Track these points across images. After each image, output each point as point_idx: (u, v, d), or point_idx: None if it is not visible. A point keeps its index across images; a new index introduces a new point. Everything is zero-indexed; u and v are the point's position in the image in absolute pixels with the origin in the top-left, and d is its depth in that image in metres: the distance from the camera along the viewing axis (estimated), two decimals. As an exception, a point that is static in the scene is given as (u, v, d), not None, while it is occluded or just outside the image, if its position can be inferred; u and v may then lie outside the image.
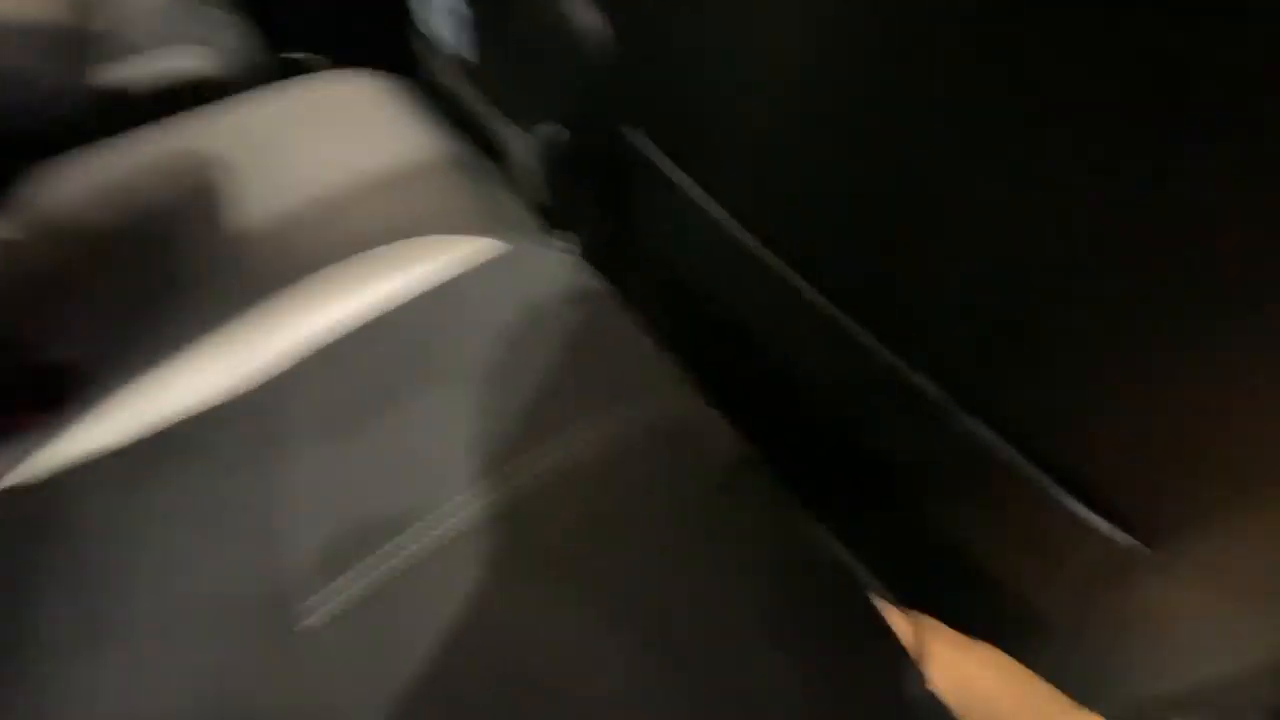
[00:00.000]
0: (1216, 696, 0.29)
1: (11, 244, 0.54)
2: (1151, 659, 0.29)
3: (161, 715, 0.30)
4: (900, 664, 0.29)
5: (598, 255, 0.72)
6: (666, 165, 0.44)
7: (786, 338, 0.40)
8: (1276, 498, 0.21)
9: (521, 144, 0.72)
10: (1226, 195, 0.19)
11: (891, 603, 0.33)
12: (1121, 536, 0.25)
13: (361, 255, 0.53)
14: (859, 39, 0.27)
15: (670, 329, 0.53)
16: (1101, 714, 0.28)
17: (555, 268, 0.48)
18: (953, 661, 0.30)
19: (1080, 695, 0.29)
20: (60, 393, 0.48)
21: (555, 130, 0.65)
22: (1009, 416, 0.28)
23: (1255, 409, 0.20)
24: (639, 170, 0.49)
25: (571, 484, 0.36)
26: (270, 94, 0.61)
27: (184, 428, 0.45)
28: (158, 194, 0.56)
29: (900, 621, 0.32)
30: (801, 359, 0.40)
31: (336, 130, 0.59)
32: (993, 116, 0.23)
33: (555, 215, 0.78)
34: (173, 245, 0.55)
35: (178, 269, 0.54)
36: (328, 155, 0.56)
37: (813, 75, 0.29)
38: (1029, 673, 0.29)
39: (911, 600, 0.33)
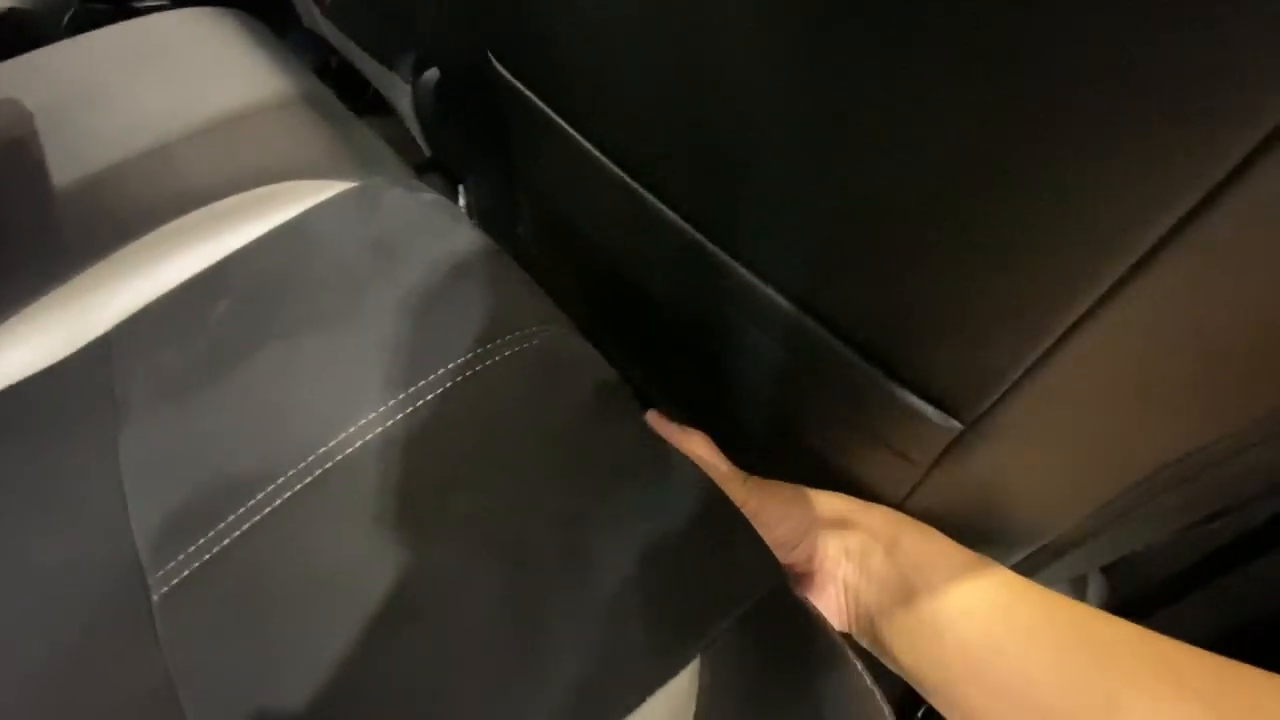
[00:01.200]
0: (1043, 564, 0.30)
1: None
2: (984, 531, 0.29)
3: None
4: (776, 578, 0.29)
5: (487, 203, 0.69)
6: (524, 92, 0.42)
7: (647, 257, 0.39)
8: (1045, 380, 0.21)
9: (404, 95, 0.68)
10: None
11: None
12: (947, 420, 0.24)
13: (208, 208, 0.49)
14: None
15: (555, 265, 0.51)
16: None
17: (413, 204, 0.45)
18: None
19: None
20: None
21: (430, 74, 0.61)
22: (838, 316, 0.27)
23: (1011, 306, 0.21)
24: (507, 104, 0.46)
25: (439, 422, 0.34)
26: (99, 36, 0.55)
27: (4, 398, 0.40)
28: (-31, 149, 0.50)
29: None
30: (659, 275, 0.39)
31: (174, 72, 0.53)
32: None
33: (444, 168, 0.75)
34: (-11, 205, 0.49)
35: (-2, 231, 0.48)
36: (165, 99, 0.51)
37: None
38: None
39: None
